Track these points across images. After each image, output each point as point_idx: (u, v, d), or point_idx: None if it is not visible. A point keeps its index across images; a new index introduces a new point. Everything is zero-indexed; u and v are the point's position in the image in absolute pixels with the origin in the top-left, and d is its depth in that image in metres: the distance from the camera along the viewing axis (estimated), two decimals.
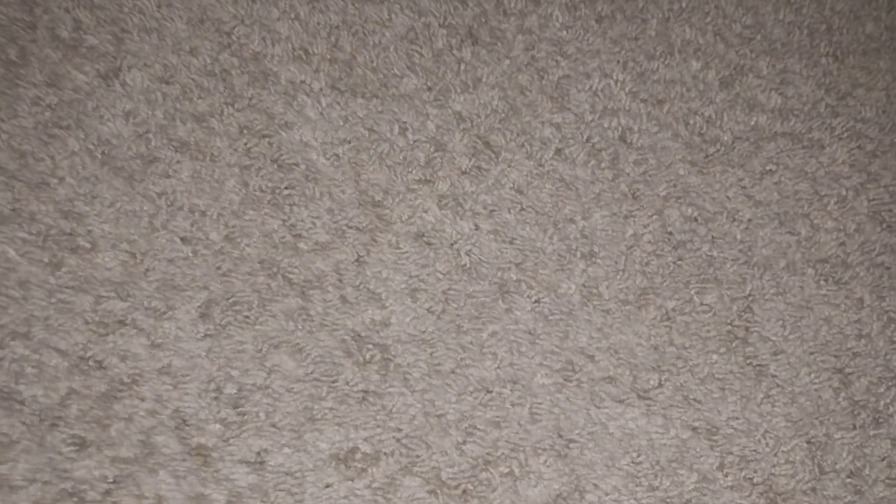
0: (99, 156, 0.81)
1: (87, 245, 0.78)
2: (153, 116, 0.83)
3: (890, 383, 0.85)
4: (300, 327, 0.78)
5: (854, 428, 0.83)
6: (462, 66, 0.91)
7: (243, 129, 0.85)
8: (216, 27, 0.88)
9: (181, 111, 0.84)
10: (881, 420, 0.84)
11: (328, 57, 0.89)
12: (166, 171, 0.82)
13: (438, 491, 0.75)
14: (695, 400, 0.82)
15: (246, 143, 0.84)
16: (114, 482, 0.71)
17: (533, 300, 0.83)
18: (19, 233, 0.77)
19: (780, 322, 0.86)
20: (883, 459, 0.82)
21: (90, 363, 0.74)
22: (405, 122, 0.88)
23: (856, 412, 0.84)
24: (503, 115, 0.90)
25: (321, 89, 0.87)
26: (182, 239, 0.80)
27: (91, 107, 0.83)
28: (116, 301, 0.77)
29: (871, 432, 0.83)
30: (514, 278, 0.84)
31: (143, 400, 0.74)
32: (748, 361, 0.84)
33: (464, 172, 0.87)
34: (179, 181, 0.82)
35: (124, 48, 0.85)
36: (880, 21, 1.01)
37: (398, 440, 0.76)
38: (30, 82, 0.82)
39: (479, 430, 0.78)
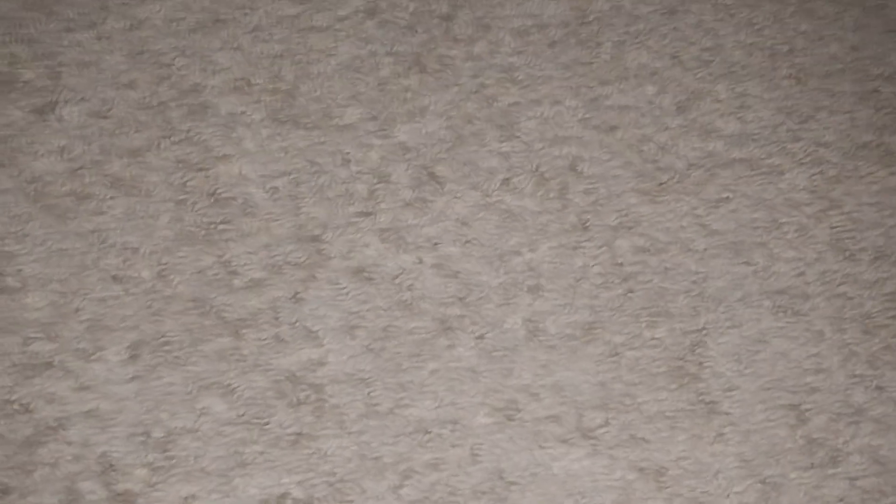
0: (31, 193, 0.80)
1: (17, 285, 0.76)
2: (88, 151, 0.82)
3: (849, 419, 0.82)
4: (232, 367, 0.76)
5: (811, 467, 0.80)
6: (408, 95, 0.89)
7: (179, 162, 0.83)
8: (155, 59, 0.86)
9: (117, 146, 0.83)
10: (839, 458, 0.80)
11: (269, 87, 0.87)
12: (99, 207, 0.80)
13: None
14: (642, 439, 0.79)
15: (182, 177, 0.82)
16: None
17: (476, 336, 0.81)
18: None
19: (735, 357, 0.83)
20: (840, 500, 0.79)
21: (16, 406, 0.73)
22: (347, 154, 0.86)
23: (813, 450, 0.81)
24: (450, 144, 0.88)
25: (261, 120, 0.86)
26: (113, 277, 0.78)
27: (25, 143, 0.81)
28: (45, 342, 0.75)
29: (829, 471, 0.80)
30: (457, 313, 0.81)
31: (69, 444, 0.72)
32: (700, 398, 0.81)
33: (407, 204, 0.85)
34: (112, 218, 0.80)
35: (62, 82, 0.84)
36: (845, 41, 0.98)
37: (331, 484, 0.74)
38: None
39: (416, 472, 0.75)
